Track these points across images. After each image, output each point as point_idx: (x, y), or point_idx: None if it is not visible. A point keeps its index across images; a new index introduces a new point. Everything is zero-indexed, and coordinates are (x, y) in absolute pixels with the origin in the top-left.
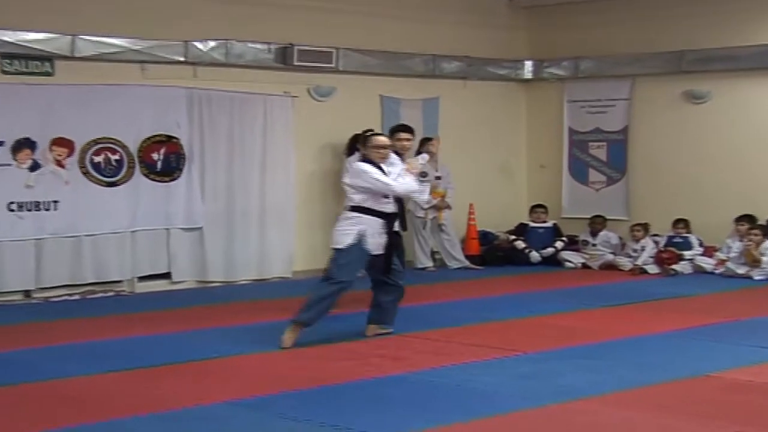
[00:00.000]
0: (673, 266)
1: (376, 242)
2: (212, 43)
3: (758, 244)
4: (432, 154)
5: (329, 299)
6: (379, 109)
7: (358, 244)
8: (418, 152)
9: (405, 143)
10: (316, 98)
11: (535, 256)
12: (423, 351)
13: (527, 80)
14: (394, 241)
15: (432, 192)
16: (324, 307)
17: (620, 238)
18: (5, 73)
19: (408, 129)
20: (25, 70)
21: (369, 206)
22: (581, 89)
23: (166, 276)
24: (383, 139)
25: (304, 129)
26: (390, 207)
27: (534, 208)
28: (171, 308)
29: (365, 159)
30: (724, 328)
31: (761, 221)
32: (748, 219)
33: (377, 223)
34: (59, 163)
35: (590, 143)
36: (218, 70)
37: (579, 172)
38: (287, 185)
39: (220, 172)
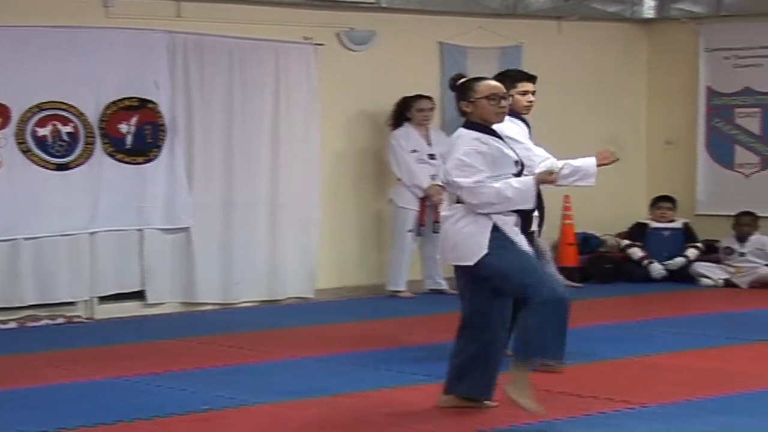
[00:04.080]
0: None
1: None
2: None
3: None
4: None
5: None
6: (438, 61)
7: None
8: None
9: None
10: (349, 47)
11: (657, 268)
12: (501, 402)
13: (648, 20)
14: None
15: None
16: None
17: None
18: None
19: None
20: None
21: None
22: (725, 33)
23: (138, 296)
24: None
25: (333, 90)
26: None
27: (656, 203)
28: (144, 341)
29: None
30: None
31: None
32: None
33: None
34: None
35: (738, 109)
36: (212, 7)
37: (721, 150)
38: (309, 170)
39: (214, 150)
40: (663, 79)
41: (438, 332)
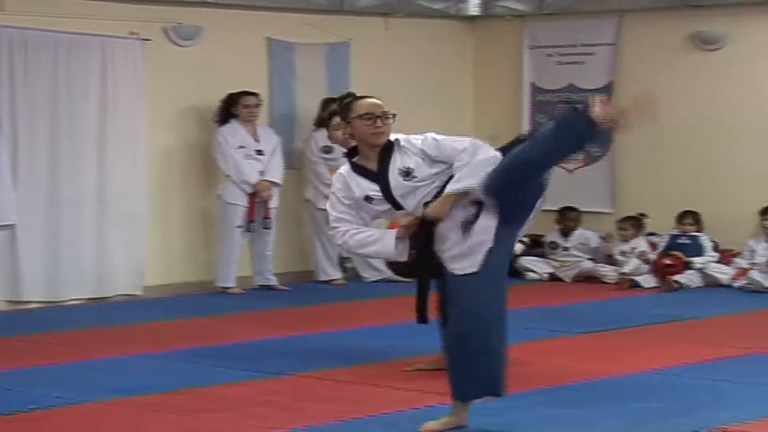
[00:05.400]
0: (677, 277)
1: None
2: None
3: None
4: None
5: None
6: (266, 57)
7: None
8: (321, 121)
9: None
10: (176, 42)
11: None
12: (327, 398)
13: (473, 17)
14: None
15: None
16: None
17: (602, 239)
18: None
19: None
20: None
21: None
22: (548, 31)
23: None
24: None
25: (159, 86)
26: None
27: None
28: None
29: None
30: (749, 362)
31: None
32: None
33: None
34: None
35: (561, 106)
36: (36, 0)
37: None
38: (135, 166)
39: (39, 146)
40: (489, 75)
41: (268, 328)
